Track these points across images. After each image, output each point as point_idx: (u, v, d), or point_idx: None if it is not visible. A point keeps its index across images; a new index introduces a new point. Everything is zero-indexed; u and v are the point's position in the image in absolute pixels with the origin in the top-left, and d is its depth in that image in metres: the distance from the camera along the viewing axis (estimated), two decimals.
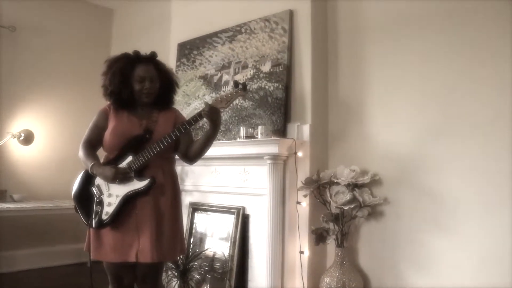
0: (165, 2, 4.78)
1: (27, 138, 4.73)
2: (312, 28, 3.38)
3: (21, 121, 4.89)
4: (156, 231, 2.31)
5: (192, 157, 2.49)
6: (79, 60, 5.32)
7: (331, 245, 3.19)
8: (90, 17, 5.58)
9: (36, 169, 4.98)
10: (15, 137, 4.67)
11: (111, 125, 2.44)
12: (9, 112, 4.86)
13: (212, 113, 2.27)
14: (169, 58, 4.39)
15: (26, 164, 4.94)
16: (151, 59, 2.49)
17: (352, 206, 3.01)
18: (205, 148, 2.45)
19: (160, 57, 2.58)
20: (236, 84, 2.29)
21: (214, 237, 3.78)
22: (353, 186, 3.09)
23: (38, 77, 5.07)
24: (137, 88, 2.42)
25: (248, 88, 2.43)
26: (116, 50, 5.25)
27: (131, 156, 2.35)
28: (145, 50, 2.51)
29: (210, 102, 2.30)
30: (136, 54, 2.48)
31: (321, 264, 3.31)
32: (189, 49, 4.28)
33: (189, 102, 4.19)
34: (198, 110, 2.34)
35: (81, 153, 2.46)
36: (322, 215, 3.16)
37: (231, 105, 3.60)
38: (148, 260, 2.27)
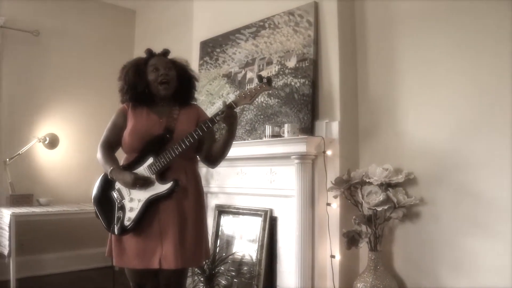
0: (187, 1, 4.69)
1: (52, 142, 4.73)
2: (339, 20, 3.23)
3: (46, 125, 4.88)
4: (180, 236, 2.21)
5: (213, 160, 2.40)
6: (102, 63, 5.28)
7: (363, 248, 3.02)
8: (112, 19, 5.54)
9: (61, 172, 4.97)
10: (40, 141, 4.67)
11: (130, 124, 2.35)
12: (34, 116, 4.85)
13: (228, 116, 2.15)
14: (192, 57, 4.30)
15: (52, 168, 4.93)
16: (164, 54, 2.44)
17: (385, 207, 2.84)
18: (225, 151, 2.34)
19: (183, 56, 2.52)
20: (260, 78, 2.16)
21: (241, 240, 3.66)
22: (387, 185, 2.92)
23: (62, 81, 5.05)
24: (152, 77, 2.34)
25: (273, 83, 2.30)
26: (139, 51, 5.17)
27: (151, 158, 2.25)
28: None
29: (233, 98, 2.18)
30: (149, 51, 2.42)
31: (353, 269, 3.15)
32: (212, 47, 4.18)
33: (213, 101, 4.09)
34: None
35: (99, 155, 2.38)
36: (353, 217, 3.00)
37: (255, 102, 3.52)
38: (172, 267, 2.17)
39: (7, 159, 4.50)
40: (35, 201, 4.56)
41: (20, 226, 4.05)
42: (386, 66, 3.18)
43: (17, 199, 4.42)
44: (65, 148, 4.96)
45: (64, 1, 5.11)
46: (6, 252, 3.94)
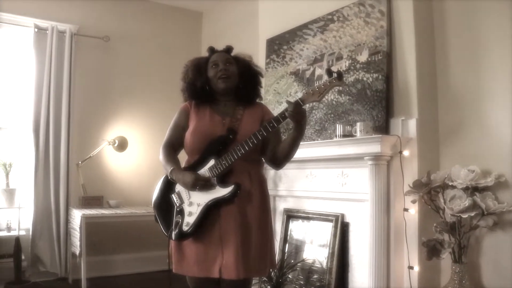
0: (254, 0, 4.58)
1: (122, 145, 4.79)
2: (415, 7, 2.96)
3: (115, 128, 4.96)
4: (242, 244, 2.07)
5: (278, 161, 2.23)
6: (170, 65, 5.25)
7: (446, 260, 2.72)
8: (180, 22, 5.56)
9: (130, 175, 5.03)
10: (110, 144, 4.74)
11: (192, 124, 2.26)
12: (104, 119, 4.95)
13: (296, 113, 1.97)
14: (258, 56, 4.18)
15: (121, 170, 5.01)
16: (227, 50, 2.33)
17: (472, 214, 2.54)
18: (291, 152, 2.17)
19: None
20: (329, 73, 1.95)
21: (311, 247, 3.47)
22: (473, 190, 2.62)
23: (130, 84, 5.12)
24: (212, 73, 2.24)
25: (344, 78, 2.09)
26: (206, 52, 5.16)
27: (213, 160, 2.14)
28: (234, 50, 2.37)
29: (301, 96, 2.01)
30: (210, 49, 2.34)
31: (434, 282, 2.87)
32: (279, 44, 4.02)
33: (280, 100, 3.94)
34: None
35: (161, 156, 2.32)
36: (434, 225, 2.72)
37: (325, 99, 3.33)
38: (233, 277, 2.03)
39: (79, 162, 4.61)
40: (105, 203, 4.63)
41: (90, 227, 4.14)
42: (469, 56, 2.87)
43: (88, 201, 4.52)
44: (134, 150, 5.01)
45: (132, 6, 5.19)
46: (77, 252, 4.03)
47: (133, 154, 5.03)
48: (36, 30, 4.52)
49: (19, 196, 4.37)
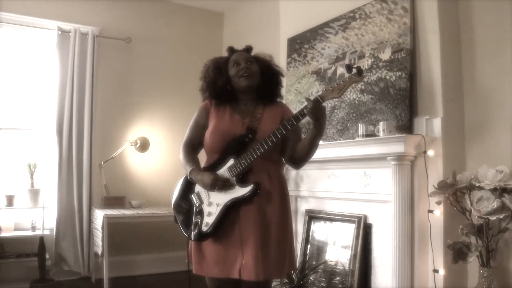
0: (274, 0, 4.55)
1: (143, 145, 4.81)
2: (439, 4, 2.89)
3: (137, 129, 4.99)
4: (262, 245, 2.04)
5: (298, 160, 2.19)
6: (192, 66, 5.21)
7: (473, 263, 2.64)
8: (201, 23, 5.55)
9: (152, 175, 5.04)
10: (132, 145, 4.76)
11: (211, 123, 2.24)
12: (126, 120, 4.98)
13: (315, 110, 1.92)
14: (279, 55, 4.15)
15: (143, 171, 5.03)
16: (247, 50, 2.32)
17: (500, 216, 2.45)
18: (311, 151, 2.12)
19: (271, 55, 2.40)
20: (349, 68, 1.91)
21: (333, 249, 3.42)
22: (501, 191, 2.53)
23: (152, 85, 5.14)
24: (233, 72, 2.22)
25: (363, 73, 2.04)
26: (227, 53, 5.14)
27: (232, 159, 2.11)
28: (255, 49, 2.36)
29: (320, 93, 1.96)
30: (230, 48, 2.33)
31: (460, 286, 2.78)
32: (300, 44, 3.98)
33: (302, 100, 3.89)
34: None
35: (181, 156, 2.32)
36: (460, 227, 2.64)
37: (346, 98, 3.27)
38: (252, 278, 2.00)
39: (102, 162, 4.65)
40: (127, 203, 4.65)
41: (112, 227, 4.17)
42: (497, 51, 2.77)
43: (110, 201, 4.54)
44: (155, 151, 5.02)
45: (154, 8, 5.20)
46: (100, 251, 4.06)
47: (155, 155, 5.04)
48: (59, 32, 4.57)
49: (43, 196, 4.43)
